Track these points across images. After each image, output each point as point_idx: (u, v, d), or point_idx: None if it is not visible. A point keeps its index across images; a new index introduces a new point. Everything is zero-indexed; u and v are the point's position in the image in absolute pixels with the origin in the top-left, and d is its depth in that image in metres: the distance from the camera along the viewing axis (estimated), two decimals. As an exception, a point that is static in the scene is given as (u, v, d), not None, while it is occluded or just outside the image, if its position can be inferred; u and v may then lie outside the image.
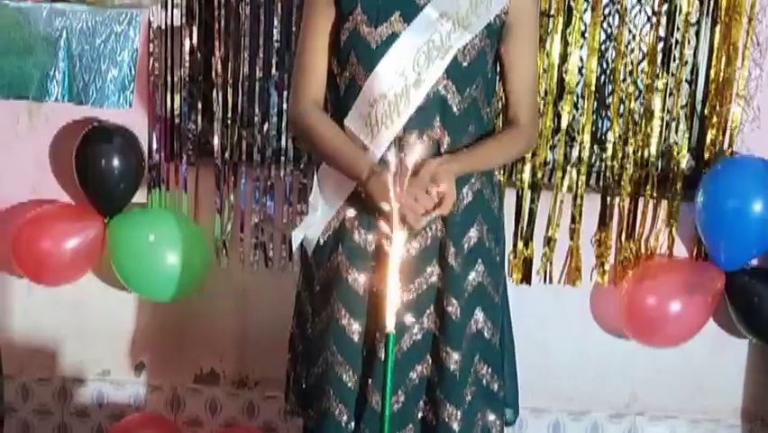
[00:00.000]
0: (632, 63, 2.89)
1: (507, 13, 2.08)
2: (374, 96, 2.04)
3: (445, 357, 2.12)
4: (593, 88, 2.87)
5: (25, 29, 2.52)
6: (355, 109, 2.07)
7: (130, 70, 2.58)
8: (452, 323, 2.12)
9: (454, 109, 2.07)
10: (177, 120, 2.94)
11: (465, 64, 2.06)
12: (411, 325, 2.10)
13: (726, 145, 2.88)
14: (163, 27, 2.87)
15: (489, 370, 2.20)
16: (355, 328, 2.12)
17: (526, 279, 3.00)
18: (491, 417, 2.21)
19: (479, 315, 2.16)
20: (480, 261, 2.15)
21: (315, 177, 2.20)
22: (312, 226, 2.18)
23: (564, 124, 2.89)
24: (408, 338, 2.13)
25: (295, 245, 2.25)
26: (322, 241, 2.17)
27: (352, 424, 2.16)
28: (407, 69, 2.03)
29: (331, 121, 2.11)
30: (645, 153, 2.91)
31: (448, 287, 2.12)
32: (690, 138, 2.95)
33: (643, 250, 2.98)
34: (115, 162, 2.83)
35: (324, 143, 2.09)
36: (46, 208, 2.95)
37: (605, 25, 2.91)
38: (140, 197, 2.96)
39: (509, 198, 2.83)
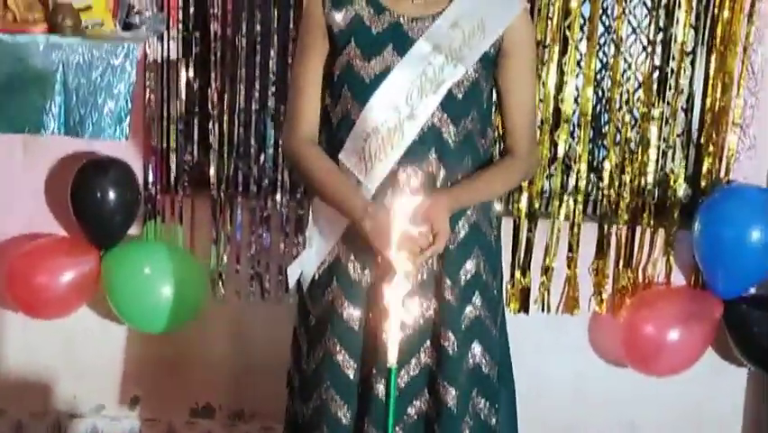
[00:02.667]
0: (628, 92, 2.90)
1: (503, 42, 2.07)
2: (367, 131, 2.02)
3: (443, 392, 2.10)
4: (589, 117, 2.88)
5: (21, 63, 2.51)
6: (349, 144, 2.05)
7: (126, 103, 2.57)
8: (449, 358, 2.10)
9: (450, 142, 2.05)
10: (172, 152, 2.94)
11: (460, 96, 2.04)
12: (408, 352, 2.08)
13: (722, 174, 2.89)
14: (159, 60, 2.89)
15: (487, 404, 2.18)
16: (350, 364, 2.10)
17: (524, 308, 2.99)
18: None
19: (476, 349, 2.14)
20: (477, 294, 2.13)
21: (311, 211, 2.19)
22: (308, 262, 2.17)
23: (561, 153, 2.89)
24: (405, 374, 2.11)
25: (291, 282, 2.23)
26: (317, 275, 2.16)
27: None
28: (400, 103, 2.01)
29: (325, 156, 2.09)
30: (642, 182, 2.91)
31: (445, 321, 2.10)
32: (686, 166, 2.95)
33: (640, 278, 2.98)
34: (111, 195, 2.82)
35: (317, 179, 2.08)
36: (41, 242, 2.93)
37: (600, 54, 2.92)
38: (135, 229, 2.95)
39: (506, 227, 2.82)
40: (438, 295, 2.09)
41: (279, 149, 2.91)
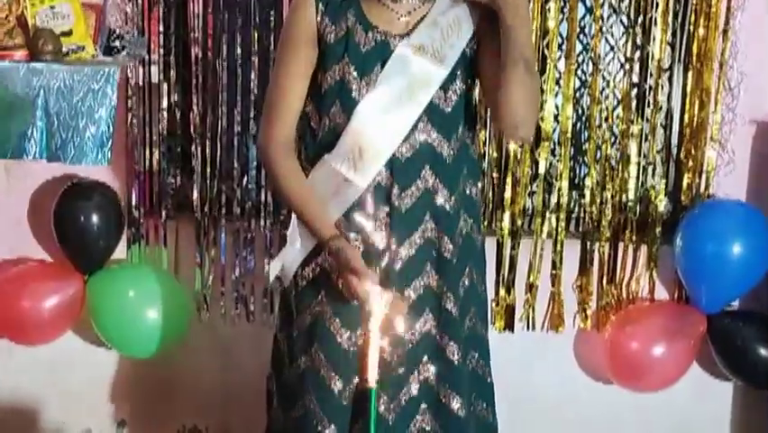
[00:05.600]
0: (607, 109, 2.92)
1: (478, 32, 2.06)
2: (353, 135, 2.03)
3: (449, 401, 2.11)
4: (569, 135, 2.90)
5: (2, 88, 2.51)
6: (336, 148, 2.05)
7: (108, 127, 2.57)
8: (455, 369, 2.11)
9: (445, 156, 2.06)
10: (155, 175, 2.95)
11: (448, 110, 2.06)
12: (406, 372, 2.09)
13: (702, 189, 2.90)
14: (141, 84, 2.90)
15: (485, 405, 2.20)
16: (336, 381, 2.08)
17: (509, 326, 2.99)
18: None
19: (473, 355, 2.17)
20: (472, 303, 2.16)
21: (293, 215, 2.17)
22: (290, 259, 2.15)
23: (542, 171, 2.91)
24: (406, 391, 2.11)
25: (272, 277, 2.22)
26: (301, 285, 2.15)
27: None
28: (388, 106, 2.02)
29: (299, 170, 2.09)
30: (623, 198, 2.93)
31: (448, 334, 2.10)
32: (666, 182, 2.97)
33: (624, 294, 2.99)
34: (94, 219, 2.83)
35: (290, 196, 2.09)
36: (24, 267, 2.93)
37: (579, 72, 2.94)
38: (119, 253, 2.95)
39: (489, 246, 2.83)
40: (438, 307, 2.10)
41: (262, 171, 2.92)
